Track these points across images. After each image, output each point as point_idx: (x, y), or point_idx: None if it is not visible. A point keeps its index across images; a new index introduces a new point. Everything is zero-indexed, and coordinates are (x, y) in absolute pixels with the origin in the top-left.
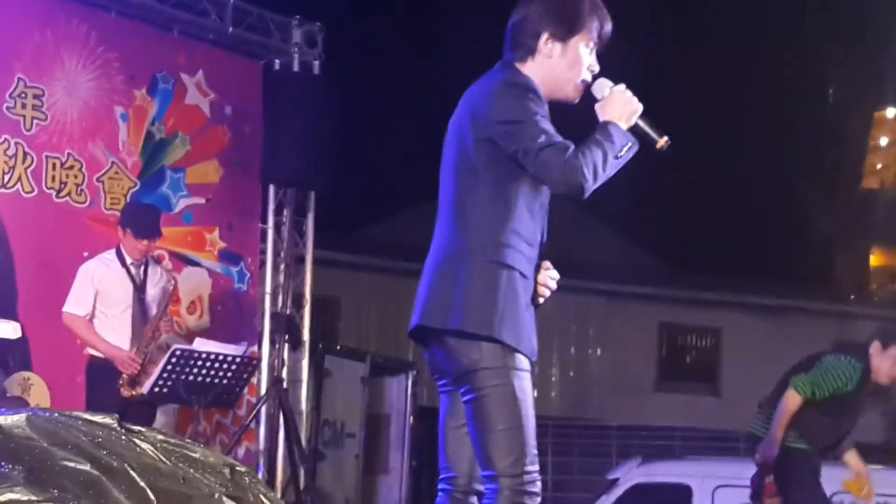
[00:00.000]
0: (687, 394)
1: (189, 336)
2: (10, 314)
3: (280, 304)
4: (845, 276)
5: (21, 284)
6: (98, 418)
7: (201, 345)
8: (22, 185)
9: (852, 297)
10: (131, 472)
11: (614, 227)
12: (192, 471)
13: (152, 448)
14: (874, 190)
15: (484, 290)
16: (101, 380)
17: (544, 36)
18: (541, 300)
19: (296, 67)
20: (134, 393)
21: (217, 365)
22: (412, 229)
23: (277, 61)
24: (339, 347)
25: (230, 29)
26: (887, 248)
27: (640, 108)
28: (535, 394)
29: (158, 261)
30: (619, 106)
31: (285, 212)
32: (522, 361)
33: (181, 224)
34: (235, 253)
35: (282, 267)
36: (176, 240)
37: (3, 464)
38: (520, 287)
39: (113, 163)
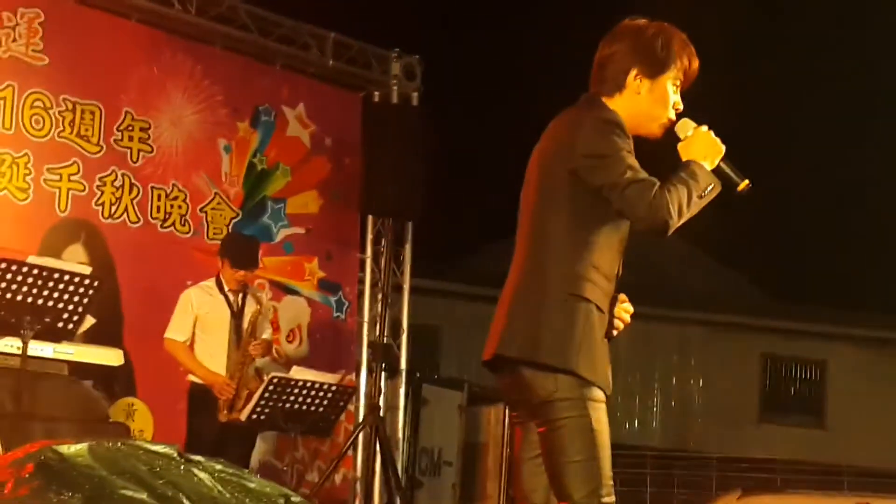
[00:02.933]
0: (790, 426)
1: (288, 364)
2: (116, 341)
3: (378, 332)
4: None
5: (127, 312)
6: (159, 448)
7: (298, 373)
8: (128, 216)
9: None
10: (186, 501)
11: (716, 256)
12: (247, 500)
13: (210, 478)
14: None
15: (562, 323)
16: (201, 406)
17: (633, 72)
18: (615, 333)
19: (394, 99)
20: (231, 418)
21: (313, 393)
22: (510, 258)
23: (377, 93)
24: (436, 376)
25: (331, 62)
26: None
27: (723, 149)
28: (637, 424)
29: (257, 289)
30: (703, 146)
31: (383, 242)
32: (598, 393)
33: (281, 253)
34: (334, 282)
35: (379, 296)
36: (276, 269)
37: (63, 492)
38: (596, 321)
39: (216, 193)
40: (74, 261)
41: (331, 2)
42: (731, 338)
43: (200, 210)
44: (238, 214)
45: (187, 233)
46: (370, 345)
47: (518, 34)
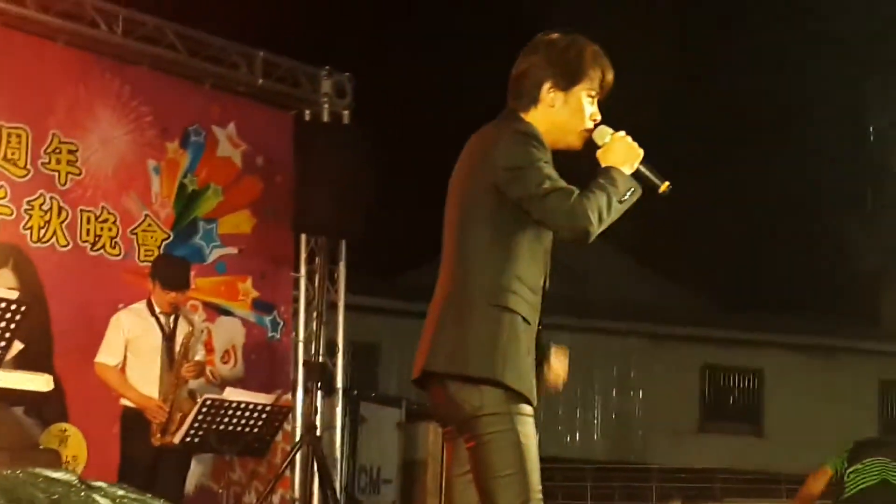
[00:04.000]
0: (730, 435)
1: (223, 385)
2: (47, 367)
3: (313, 351)
4: (890, 314)
5: (57, 337)
6: (59, 475)
7: (231, 394)
8: (57, 239)
9: None
10: None
11: (655, 268)
12: None
13: (111, 503)
14: None
15: (486, 334)
16: (134, 430)
17: (547, 85)
18: (552, 391)
19: (326, 117)
20: (164, 441)
21: (247, 414)
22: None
23: (308, 111)
24: (374, 394)
25: (260, 81)
26: None
27: (641, 153)
28: (578, 438)
29: (190, 311)
30: (621, 152)
31: (317, 260)
32: (525, 406)
33: (214, 274)
34: (268, 302)
35: (314, 315)
36: (209, 290)
37: None
38: (521, 332)
39: (146, 215)
40: (3, 286)
41: (260, 20)
42: (671, 349)
43: (131, 232)
44: (169, 236)
45: (118, 255)
46: (305, 364)
47: (450, 49)
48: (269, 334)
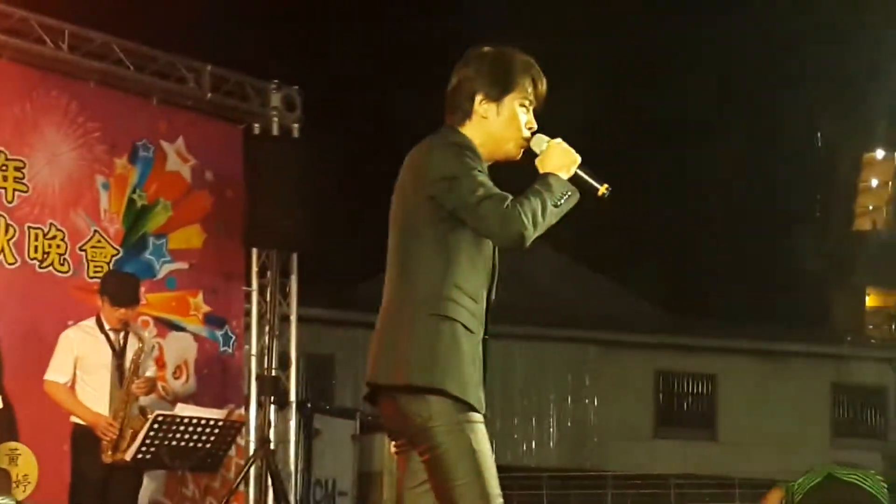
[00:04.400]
0: (684, 440)
1: (175, 401)
2: None
3: (266, 365)
4: (840, 318)
5: (6, 355)
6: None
7: (183, 410)
8: (5, 257)
9: (848, 338)
10: None
11: (608, 276)
12: None
13: None
14: (866, 231)
15: (425, 344)
16: (85, 447)
17: (479, 97)
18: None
19: (275, 131)
20: (116, 458)
21: (199, 429)
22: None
23: (257, 125)
24: (328, 406)
25: (209, 95)
26: (882, 289)
27: (578, 158)
28: (534, 446)
29: (140, 327)
30: (558, 158)
31: (269, 274)
32: (473, 414)
33: (165, 290)
34: (220, 316)
35: (266, 328)
36: (160, 305)
37: None
38: (463, 340)
39: (95, 231)
40: None
41: (207, 35)
42: (624, 355)
43: (80, 248)
44: (119, 252)
45: (67, 272)
46: (258, 378)
47: (398, 61)
48: (222, 349)
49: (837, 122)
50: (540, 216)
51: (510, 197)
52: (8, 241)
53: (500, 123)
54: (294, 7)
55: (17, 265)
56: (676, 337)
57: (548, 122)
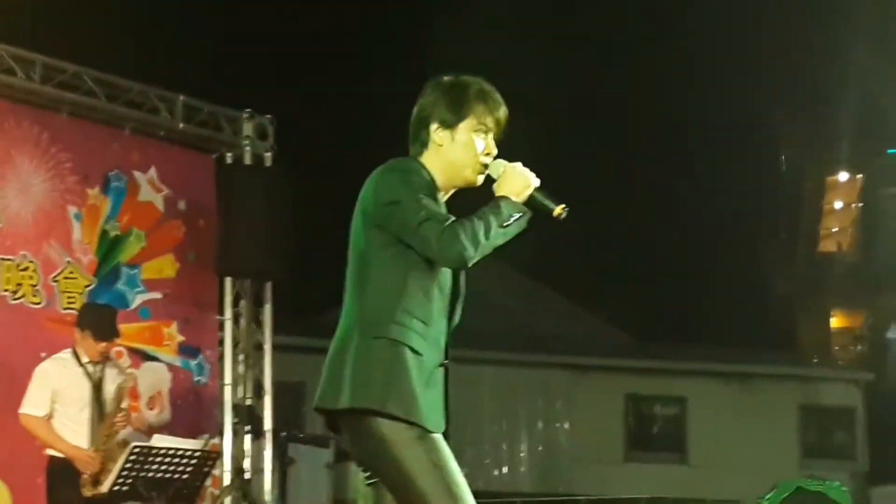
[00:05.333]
0: (655, 463)
1: (150, 432)
2: None
3: (241, 394)
4: (807, 340)
5: None
6: None
7: (159, 441)
8: None
9: (815, 359)
10: None
11: (576, 300)
12: None
13: None
14: (831, 253)
15: (367, 366)
16: (62, 480)
17: (434, 126)
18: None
19: (248, 160)
20: (96, 492)
21: (176, 460)
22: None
23: (229, 154)
24: (301, 435)
25: (181, 125)
26: (847, 310)
27: (533, 181)
28: (506, 470)
29: (115, 358)
30: (513, 181)
31: (242, 302)
32: (425, 432)
33: (138, 320)
34: (194, 346)
35: (241, 357)
36: (134, 336)
37: None
38: (410, 362)
39: (68, 262)
40: None
41: (179, 65)
42: (594, 379)
43: (52, 280)
44: (92, 282)
45: (39, 304)
46: (233, 407)
47: (369, 89)
48: (196, 378)
49: (801, 144)
50: (482, 237)
51: (452, 218)
52: None
53: (455, 150)
54: (265, 36)
55: None
56: (646, 361)
57: (518, 147)
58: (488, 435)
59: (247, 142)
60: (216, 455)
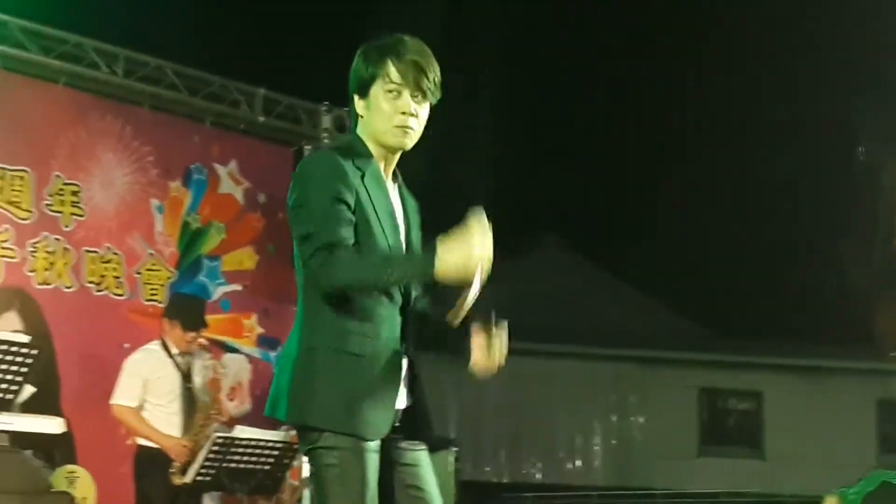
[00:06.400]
0: (730, 458)
1: (230, 423)
2: (54, 408)
3: None
4: (885, 334)
5: (64, 378)
6: None
7: (242, 431)
8: (62, 281)
9: (893, 353)
10: None
11: (650, 294)
12: None
13: None
14: None
15: (300, 378)
16: (150, 469)
17: (355, 98)
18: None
19: None
20: (183, 481)
21: (258, 451)
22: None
23: (308, 147)
24: None
25: (261, 118)
26: None
27: (474, 266)
28: (579, 464)
29: (206, 349)
30: (460, 258)
31: None
32: (349, 441)
33: (219, 311)
34: (273, 337)
35: None
36: (214, 327)
37: None
38: (344, 368)
39: (150, 254)
40: (9, 329)
41: (258, 58)
42: (668, 373)
43: (135, 272)
44: (174, 274)
45: (123, 295)
46: None
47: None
48: None
49: (879, 136)
50: (368, 277)
51: (343, 243)
52: (65, 264)
53: (373, 117)
54: (343, 29)
55: (74, 289)
56: (721, 354)
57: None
58: (562, 429)
59: (325, 134)
60: (296, 446)
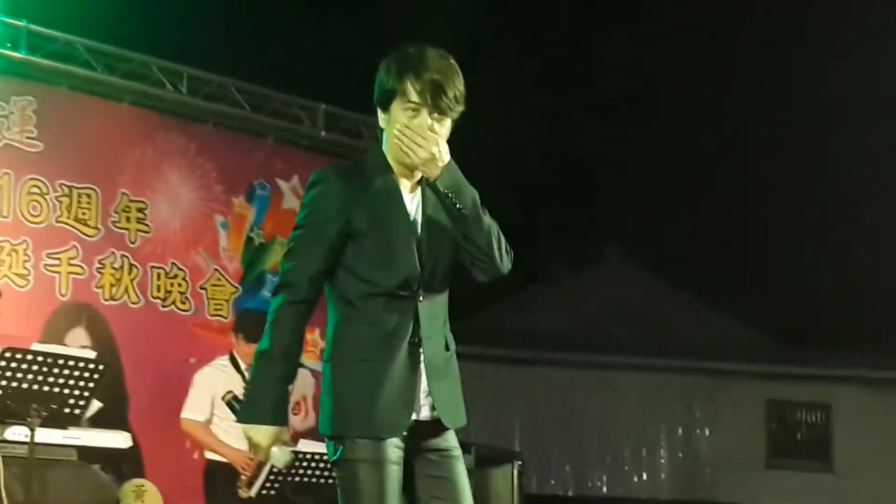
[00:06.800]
0: (799, 471)
1: (295, 437)
2: (122, 423)
3: None
4: None
5: (131, 393)
6: None
7: (306, 445)
8: (129, 297)
9: None
10: None
11: (716, 304)
12: None
13: None
14: None
15: (324, 393)
16: (219, 483)
17: (379, 112)
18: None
19: None
20: (248, 495)
21: (322, 465)
22: (512, 318)
23: None
24: None
25: (323, 133)
26: None
27: (263, 444)
28: (645, 477)
29: None
30: (256, 439)
31: None
32: (365, 449)
33: None
34: None
35: None
36: None
37: None
38: (353, 375)
39: (215, 270)
40: (77, 344)
41: (320, 74)
42: (736, 385)
43: (200, 287)
44: (238, 290)
45: (188, 310)
46: None
47: (504, 91)
48: None
49: None
50: (263, 349)
51: (300, 299)
52: (132, 280)
53: (390, 132)
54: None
55: (140, 304)
56: (789, 366)
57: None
58: (628, 441)
59: None
60: None
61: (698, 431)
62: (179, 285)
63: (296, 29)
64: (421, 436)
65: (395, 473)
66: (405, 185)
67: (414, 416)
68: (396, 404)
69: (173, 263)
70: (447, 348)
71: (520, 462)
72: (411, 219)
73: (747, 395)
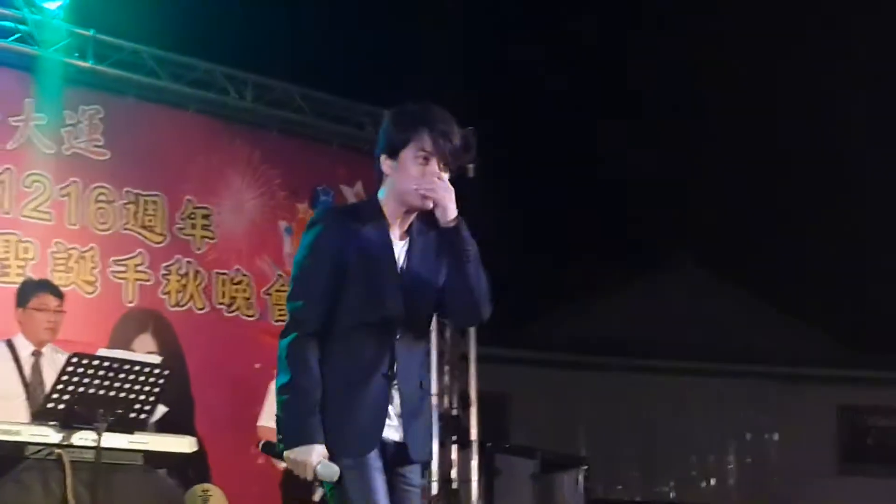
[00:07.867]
0: (871, 476)
1: None
2: (188, 427)
3: (446, 404)
4: None
5: (197, 398)
6: None
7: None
8: (194, 303)
9: None
10: None
11: (786, 309)
12: None
13: None
14: None
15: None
16: (295, 489)
17: (382, 157)
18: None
19: None
20: (314, 500)
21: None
22: (578, 322)
23: None
24: (508, 445)
25: None
26: None
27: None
28: (713, 482)
29: None
30: (298, 459)
31: None
32: (347, 459)
33: None
34: None
35: (446, 369)
36: None
37: None
38: (335, 402)
39: (279, 276)
40: (143, 350)
41: (383, 80)
42: (806, 390)
43: (265, 293)
44: None
45: (253, 316)
46: (440, 417)
47: (574, 100)
48: None
49: None
50: (286, 383)
51: (311, 332)
52: (197, 286)
53: (397, 179)
54: (470, 48)
55: (206, 310)
56: (860, 371)
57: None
58: (696, 447)
59: None
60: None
61: (767, 437)
62: (244, 291)
63: (360, 35)
64: (390, 456)
65: (379, 478)
66: (395, 233)
67: (386, 435)
68: (370, 426)
69: (238, 269)
70: (421, 387)
71: (585, 467)
72: (399, 265)
73: (818, 399)
